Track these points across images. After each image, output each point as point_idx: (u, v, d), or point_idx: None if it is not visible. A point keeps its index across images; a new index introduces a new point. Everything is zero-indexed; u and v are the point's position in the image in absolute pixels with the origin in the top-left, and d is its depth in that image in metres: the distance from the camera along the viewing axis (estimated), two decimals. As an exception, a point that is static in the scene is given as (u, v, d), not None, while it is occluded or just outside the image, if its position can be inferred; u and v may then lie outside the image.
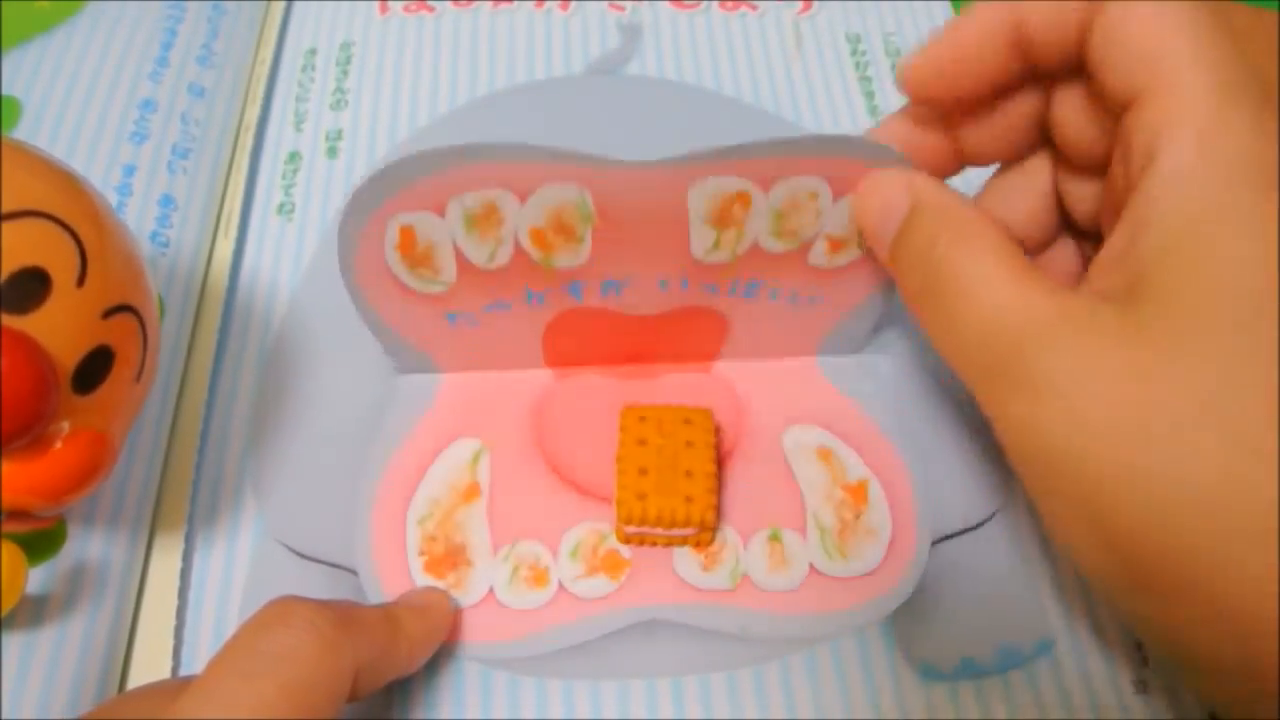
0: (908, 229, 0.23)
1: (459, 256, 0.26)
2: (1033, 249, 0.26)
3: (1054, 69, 0.22)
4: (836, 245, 0.27)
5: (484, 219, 0.26)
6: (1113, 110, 0.21)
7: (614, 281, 0.28)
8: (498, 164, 0.25)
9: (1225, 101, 0.19)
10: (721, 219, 0.26)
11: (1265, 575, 0.17)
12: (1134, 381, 0.18)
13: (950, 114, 0.25)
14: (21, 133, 0.33)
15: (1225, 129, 0.19)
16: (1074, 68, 0.22)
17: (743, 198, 0.26)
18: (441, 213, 0.25)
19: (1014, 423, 0.20)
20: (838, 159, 0.25)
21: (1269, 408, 0.17)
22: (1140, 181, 0.20)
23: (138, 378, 0.23)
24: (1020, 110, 0.24)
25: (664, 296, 0.28)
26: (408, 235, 0.26)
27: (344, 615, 0.22)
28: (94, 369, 0.21)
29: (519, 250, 0.26)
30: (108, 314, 0.21)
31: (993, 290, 0.20)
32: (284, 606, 0.21)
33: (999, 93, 0.24)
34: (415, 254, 0.26)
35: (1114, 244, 0.20)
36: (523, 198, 0.25)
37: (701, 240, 0.27)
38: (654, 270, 0.27)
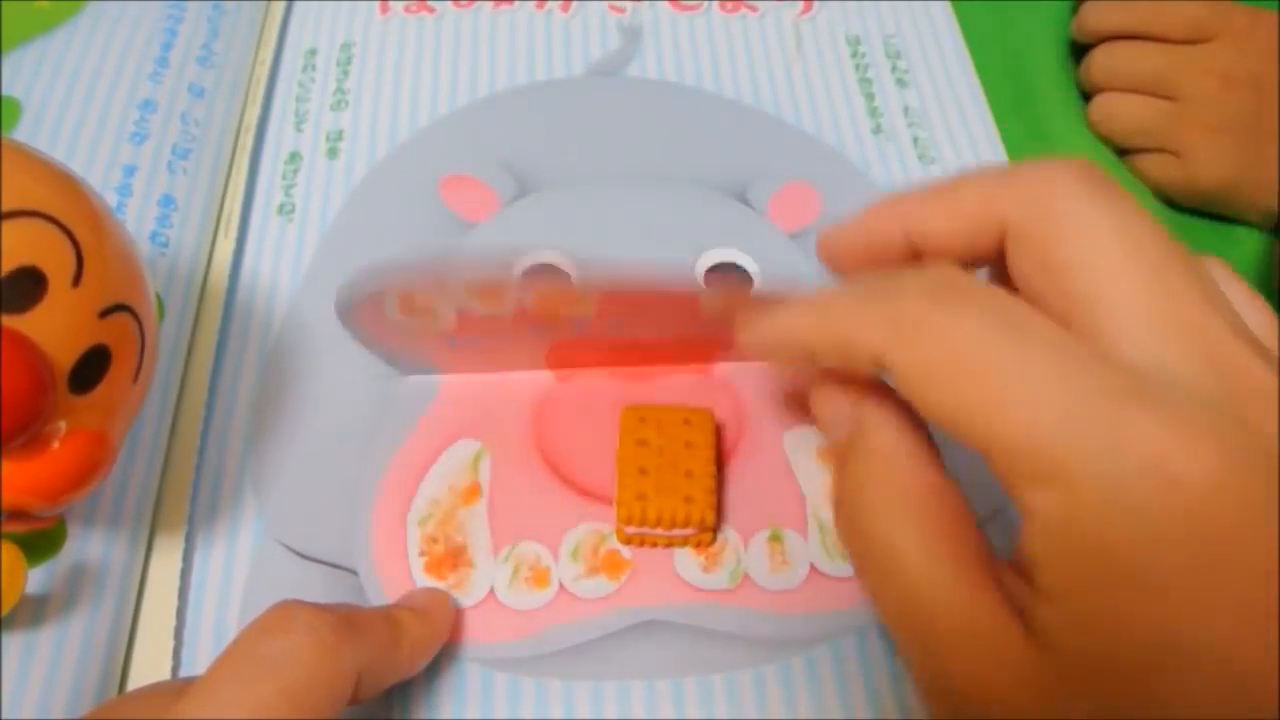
0: (847, 464, 0.20)
1: (460, 313, 0.27)
2: None
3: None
4: None
5: (488, 294, 0.26)
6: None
7: (620, 322, 0.28)
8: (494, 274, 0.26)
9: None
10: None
11: None
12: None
13: None
14: (22, 133, 0.33)
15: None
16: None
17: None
18: (443, 288, 0.25)
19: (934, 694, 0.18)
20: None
21: None
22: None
23: (135, 378, 0.23)
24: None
25: (668, 327, 0.28)
26: (408, 300, 0.26)
27: (345, 619, 0.22)
28: (91, 369, 0.21)
29: (522, 309, 0.26)
30: (104, 314, 0.21)
31: (915, 573, 0.18)
32: (285, 611, 0.21)
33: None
34: (416, 308, 0.26)
35: None
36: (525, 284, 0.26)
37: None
38: (659, 321, 0.28)
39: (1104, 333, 0.17)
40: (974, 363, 0.17)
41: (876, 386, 0.21)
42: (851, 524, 0.19)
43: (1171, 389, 0.16)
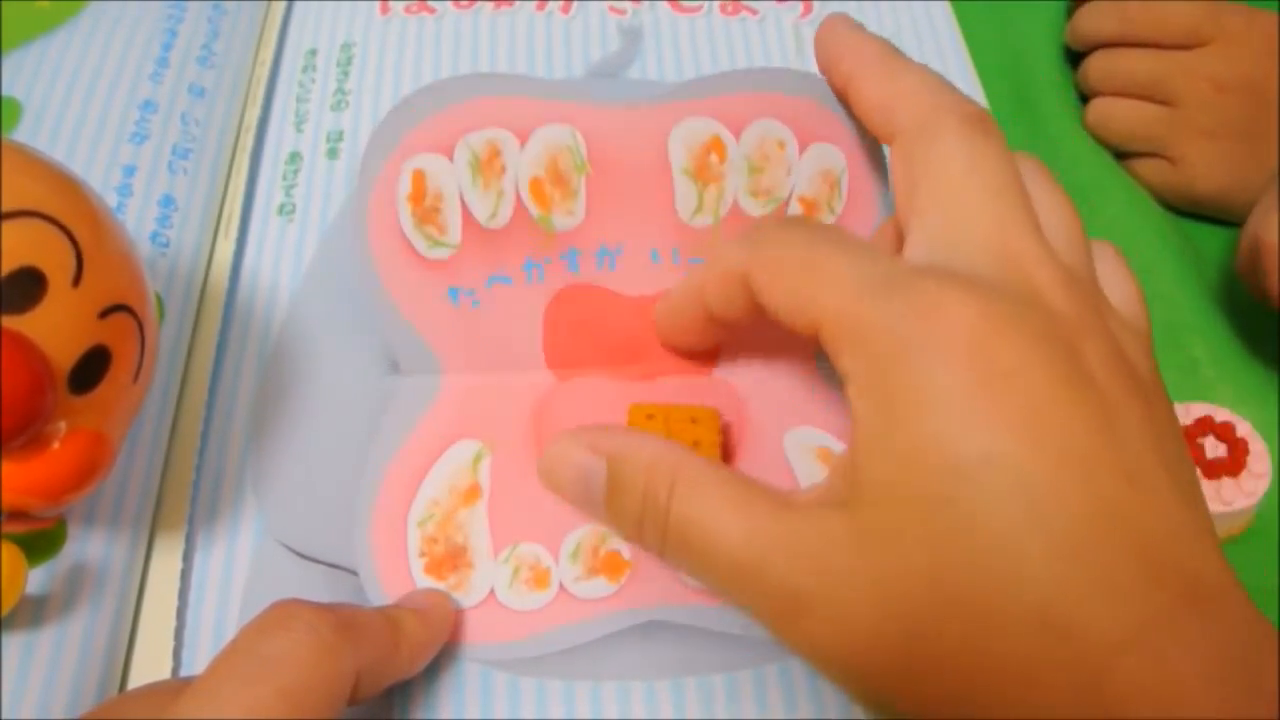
0: (616, 489, 0.22)
1: (464, 213, 0.27)
2: None
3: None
4: (810, 208, 0.28)
5: (488, 164, 0.27)
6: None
7: (609, 250, 0.28)
8: (500, 97, 0.27)
9: (861, 312, 0.20)
10: (701, 171, 0.27)
11: None
12: (870, 585, 0.19)
13: None
14: (22, 134, 0.33)
15: (869, 329, 0.20)
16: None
17: (717, 146, 0.27)
18: (450, 155, 0.27)
19: (796, 642, 0.20)
20: (798, 99, 0.27)
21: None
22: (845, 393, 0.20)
23: (135, 378, 0.23)
24: None
25: (657, 271, 0.29)
26: (419, 182, 0.27)
27: (344, 619, 0.22)
28: (91, 369, 0.21)
29: (520, 207, 0.27)
30: (104, 314, 0.21)
31: (725, 529, 0.20)
32: (284, 610, 0.21)
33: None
34: (424, 207, 0.27)
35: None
36: (522, 140, 0.27)
37: (685, 198, 0.28)
38: (645, 237, 0.29)
39: (919, 232, 0.22)
40: (803, 261, 0.21)
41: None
42: (664, 535, 0.21)
43: (959, 271, 0.20)
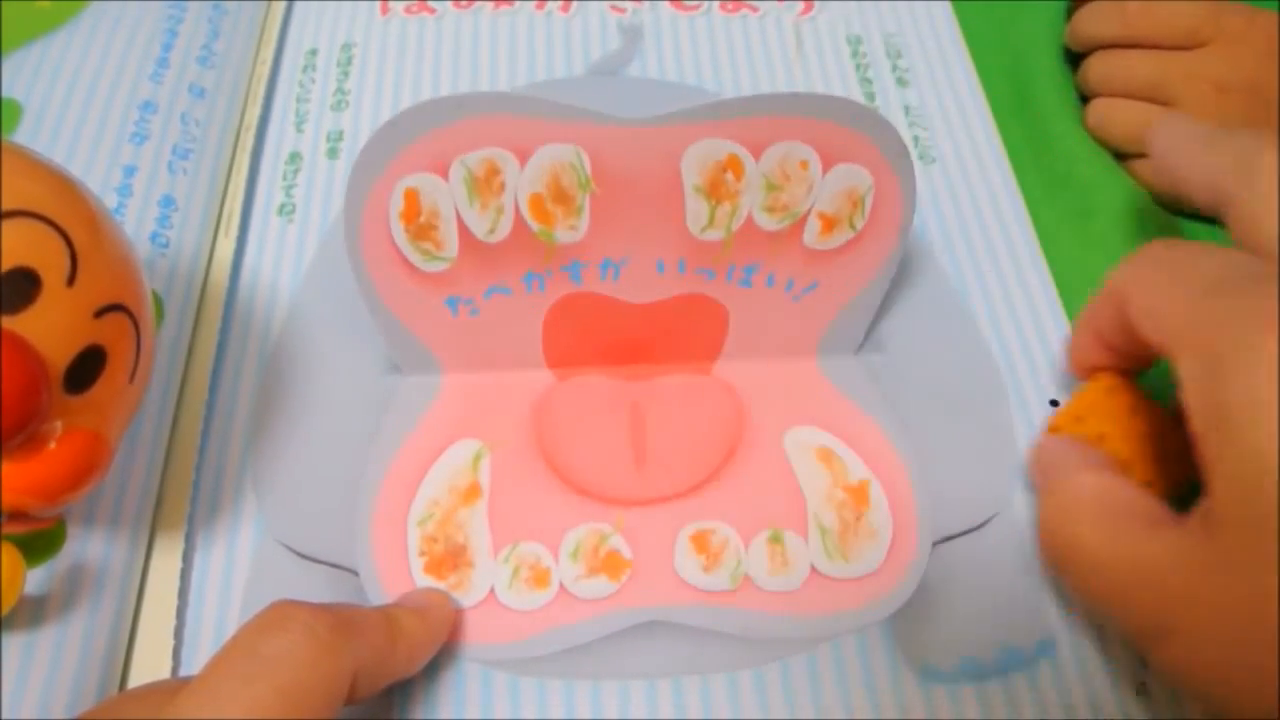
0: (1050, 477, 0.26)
1: (461, 228, 0.27)
2: None
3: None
4: (829, 224, 0.27)
5: (485, 183, 0.26)
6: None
7: (613, 263, 0.28)
8: (499, 116, 0.25)
9: (1199, 313, 0.20)
10: (714, 189, 0.27)
11: None
12: (1225, 613, 0.19)
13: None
14: (22, 135, 0.33)
15: (1203, 330, 0.20)
16: None
17: (734, 164, 0.26)
18: (445, 175, 0.26)
19: (1158, 665, 0.21)
20: (826, 123, 0.26)
21: None
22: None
23: (132, 377, 0.23)
24: None
25: (662, 281, 0.29)
26: (412, 200, 0.26)
27: (342, 619, 0.22)
28: (86, 369, 0.21)
29: (519, 222, 0.27)
30: (100, 314, 0.21)
31: (1094, 548, 0.22)
32: (282, 610, 0.21)
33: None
34: (418, 224, 0.26)
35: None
36: (523, 159, 0.26)
37: (696, 214, 0.27)
38: (651, 249, 0.28)
39: None
40: (1166, 266, 0.22)
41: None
42: (1054, 536, 0.24)
43: None
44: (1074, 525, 0.23)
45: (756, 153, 0.26)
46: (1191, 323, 0.20)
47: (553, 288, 0.29)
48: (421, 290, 0.28)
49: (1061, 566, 0.25)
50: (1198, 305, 0.20)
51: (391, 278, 0.28)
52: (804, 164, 0.27)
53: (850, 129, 0.26)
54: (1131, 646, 0.22)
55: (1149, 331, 0.21)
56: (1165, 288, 0.21)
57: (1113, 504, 0.23)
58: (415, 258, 0.27)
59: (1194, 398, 0.19)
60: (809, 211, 0.27)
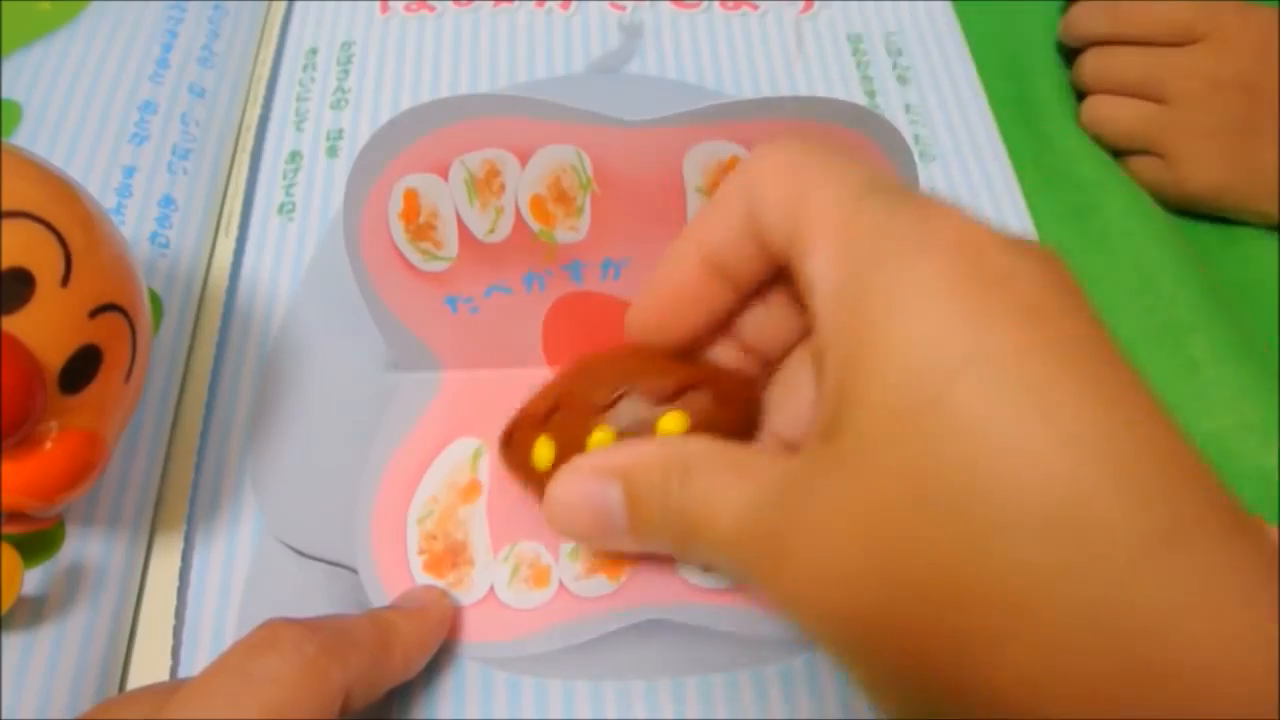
0: (636, 503, 0.21)
1: (461, 228, 0.27)
2: None
3: (756, 280, 0.22)
4: None
5: (485, 184, 0.26)
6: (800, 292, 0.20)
7: (613, 262, 0.28)
8: (500, 118, 0.25)
9: (853, 207, 0.18)
10: (715, 189, 0.26)
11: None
12: (849, 516, 0.17)
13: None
14: (22, 136, 0.33)
15: (856, 226, 0.18)
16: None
17: (736, 166, 0.26)
18: (444, 175, 0.26)
19: (780, 596, 0.18)
20: (829, 125, 0.26)
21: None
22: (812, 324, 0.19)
23: (128, 377, 0.23)
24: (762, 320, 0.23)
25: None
26: (411, 200, 0.26)
27: (333, 636, 0.22)
28: (81, 368, 0.21)
29: (520, 222, 0.27)
30: (94, 314, 0.21)
31: (727, 498, 0.19)
32: (273, 630, 0.21)
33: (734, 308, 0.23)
34: (418, 224, 0.26)
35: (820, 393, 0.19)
36: (523, 160, 0.26)
37: None
38: (652, 250, 0.28)
39: None
40: (800, 164, 0.20)
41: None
42: (679, 525, 0.21)
43: None
44: (706, 480, 0.20)
45: None
46: (839, 219, 0.18)
47: (553, 287, 0.29)
48: (421, 289, 0.28)
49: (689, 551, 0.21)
50: (846, 204, 0.18)
51: (391, 277, 0.28)
52: None
53: (853, 131, 0.26)
54: (760, 591, 0.19)
55: (787, 232, 0.19)
56: (803, 180, 0.19)
57: (739, 450, 0.21)
58: (415, 257, 0.27)
59: (832, 292, 0.18)
60: None
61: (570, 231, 0.27)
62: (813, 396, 0.22)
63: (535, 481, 0.26)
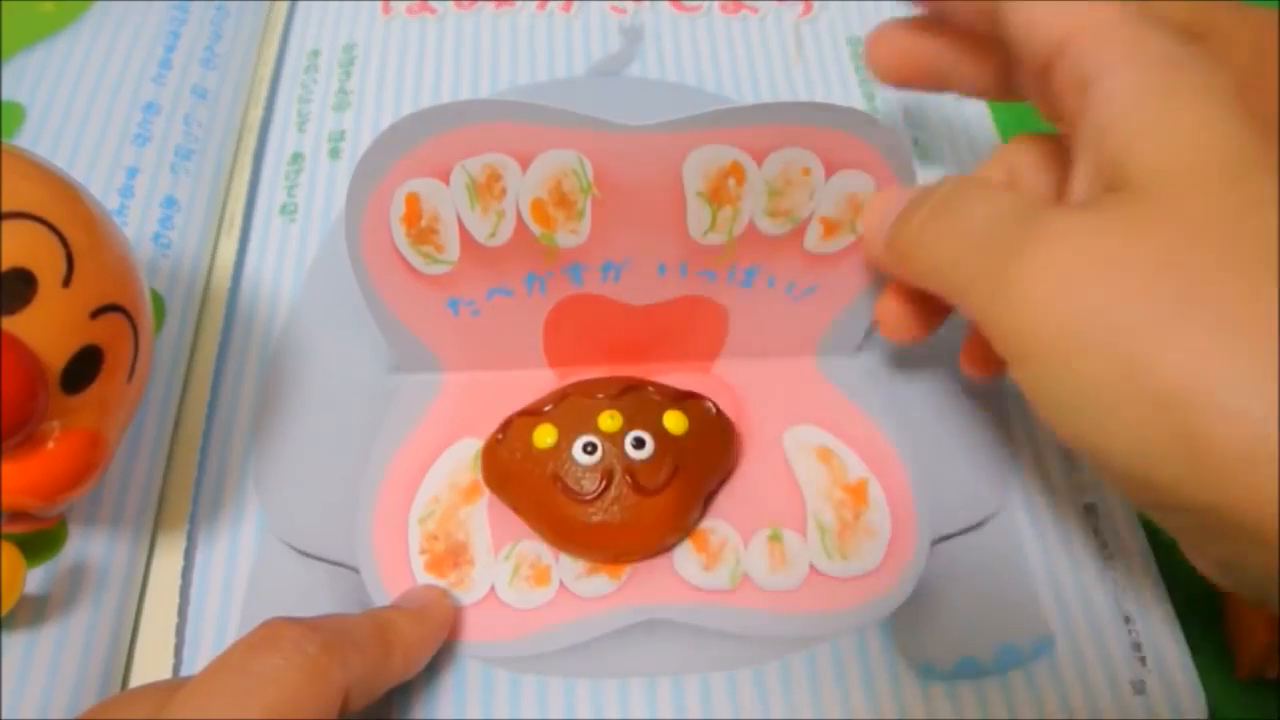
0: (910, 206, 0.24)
1: (462, 232, 0.27)
2: None
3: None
4: (831, 228, 0.27)
5: (486, 188, 0.26)
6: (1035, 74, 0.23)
7: (614, 265, 0.28)
8: (501, 123, 0.25)
9: (1139, 28, 0.21)
10: (716, 194, 0.27)
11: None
12: (1119, 270, 0.18)
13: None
14: (25, 137, 0.34)
15: (1143, 41, 0.21)
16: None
17: (736, 171, 0.26)
18: (446, 180, 0.26)
19: (1016, 320, 0.20)
20: (830, 131, 0.26)
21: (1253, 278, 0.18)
22: (1083, 110, 0.21)
23: (130, 377, 0.23)
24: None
25: (663, 283, 0.29)
26: (413, 205, 0.26)
27: (333, 636, 0.22)
28: (83, 369, 0.21)
29: (521, 226, 0.27)
30: (96, 314, 0.21)
31: (988, 198, 0.22)
32: (273, 629, 0.21)
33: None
34: (419, 228, 0.26)
35: (1079, 174, 0.21)
36: (524, 165, 0.26)
37: (698, 219, 0.27)
38: (653, 252, 0.28)
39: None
40: None
41: None
42: (933, 213, 0.23)
43: None
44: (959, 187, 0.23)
45: (759, 159, 0.26)
46: (1128, 32, 0.21)
47: (554, 289, 0.29)
48: (423, 292, 0.28)
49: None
50: (1130, 19, 0.21)
51: (393, 280, 0.28)
52: (806, 170, 0.27)
53: (855, 137, 0.26)
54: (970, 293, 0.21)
55: (1045, 33, 0.22)
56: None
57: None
58: (416, 260, 0.27)
59: (1133, 81, 0.21)
60: (810, 216, 0.27)
61: (571, 235, 0.27)
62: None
63: (534, 460, 0.27)
